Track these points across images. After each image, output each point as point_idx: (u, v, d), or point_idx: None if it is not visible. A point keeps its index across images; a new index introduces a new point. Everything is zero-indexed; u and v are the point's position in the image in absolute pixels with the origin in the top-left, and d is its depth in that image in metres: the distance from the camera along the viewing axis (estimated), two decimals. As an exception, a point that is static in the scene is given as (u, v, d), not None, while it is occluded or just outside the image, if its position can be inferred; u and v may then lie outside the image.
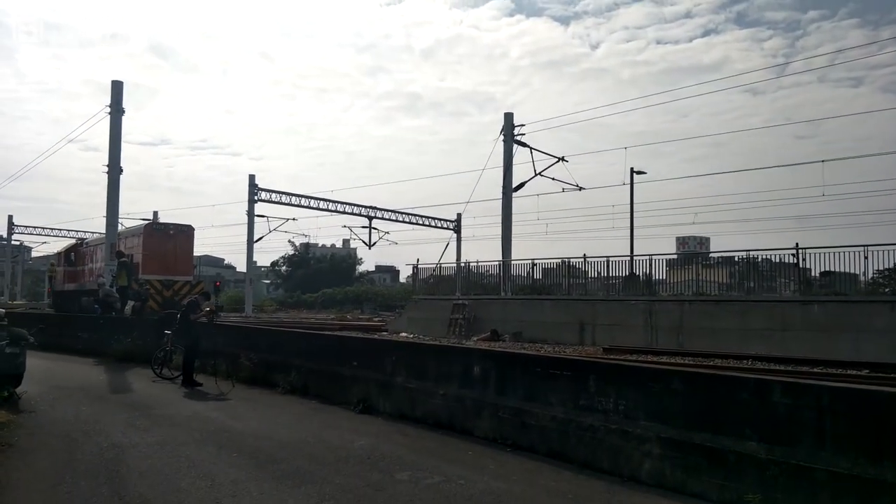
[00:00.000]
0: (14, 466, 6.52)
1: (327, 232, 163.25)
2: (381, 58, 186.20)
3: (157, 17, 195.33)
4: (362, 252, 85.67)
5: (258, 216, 41.43)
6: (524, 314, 24.86)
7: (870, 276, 19.27)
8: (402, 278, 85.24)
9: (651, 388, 6.24)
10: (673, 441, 5.85)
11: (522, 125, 30.44)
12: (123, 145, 25.48)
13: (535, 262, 27.75)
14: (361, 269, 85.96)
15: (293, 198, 41.35)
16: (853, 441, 4.89)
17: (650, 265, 23.41)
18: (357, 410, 9.48)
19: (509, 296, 27.43)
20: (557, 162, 31.09)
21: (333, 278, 73.60)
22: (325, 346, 11.76)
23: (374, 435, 8.07)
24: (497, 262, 29.57)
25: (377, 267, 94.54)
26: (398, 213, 46.04)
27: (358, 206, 43.99)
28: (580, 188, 32.08)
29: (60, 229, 61.28)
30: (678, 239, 67.36)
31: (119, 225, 27.42)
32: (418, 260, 33.45)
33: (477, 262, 30.83)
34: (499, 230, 30.61)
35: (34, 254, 78.96)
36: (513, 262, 29.10)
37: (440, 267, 31.46)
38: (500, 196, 30.53)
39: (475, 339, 23.15)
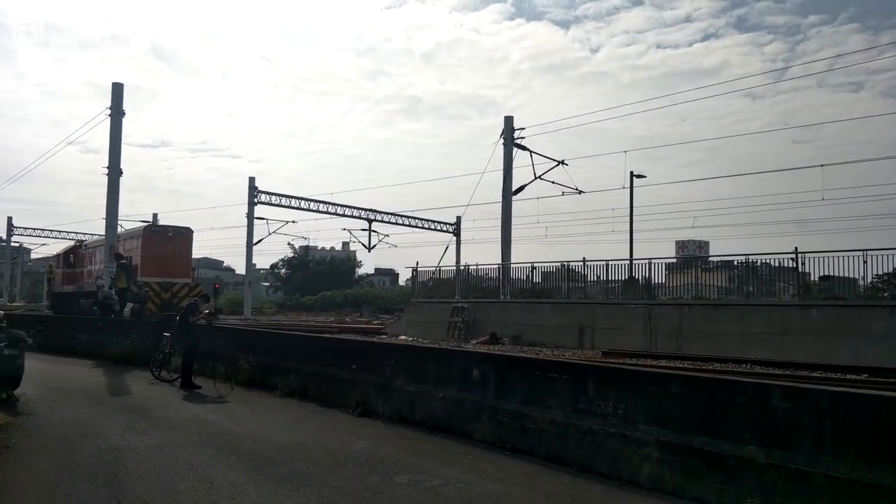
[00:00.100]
0: (12, 469, 6.51)
1: (327, 235, 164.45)
2: (382, 61, 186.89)
3: (158, 20, 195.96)
4: (362, 255, 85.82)
5: (258, 219, 41.45)
6: (523, 317, 24.87)
7: (869, 280, 19.27)
8: (402, 281, 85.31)
9: (650, 392, 6.23)
10: (672, 445, 5.85)
11: (522, 129, 30.47)
12: (123, 147, 25.57)
13: (535, 265, 27.84)
14: (361, 271, 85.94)
15: (293, 200, 41.28)
16: (852, 445, 4.89)
17: (649, 269, 23.43)
18: (356, 413, 9.47)
19: (509, 299, 27.42)
20: (557, 165, 31.14)
21: (333, 281, 73.49)
22: (323, 349, 11.75)
23: (372, 438, 8.06)
24: (496, 266, 29.57)
25: (377, 270, 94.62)
26: (398, 216, 46.00)
27: (357, 208, 43.94)
28: (580, 192, 32.13)
29: (60, 231, 61.43)
30: (677, 243, 67.59)
31: (119, 227, 27.45)
32: (418, 263, 33.59)
33: (476, 265, 30.97)
34: (498, 233, 30.59)
35: (33, 255, 79.07)
36: (512, 266, 29.09)
37: (439, 270, 31.52)
38: (500, 199, 30.51)
39: (474, 342, 23.13)
